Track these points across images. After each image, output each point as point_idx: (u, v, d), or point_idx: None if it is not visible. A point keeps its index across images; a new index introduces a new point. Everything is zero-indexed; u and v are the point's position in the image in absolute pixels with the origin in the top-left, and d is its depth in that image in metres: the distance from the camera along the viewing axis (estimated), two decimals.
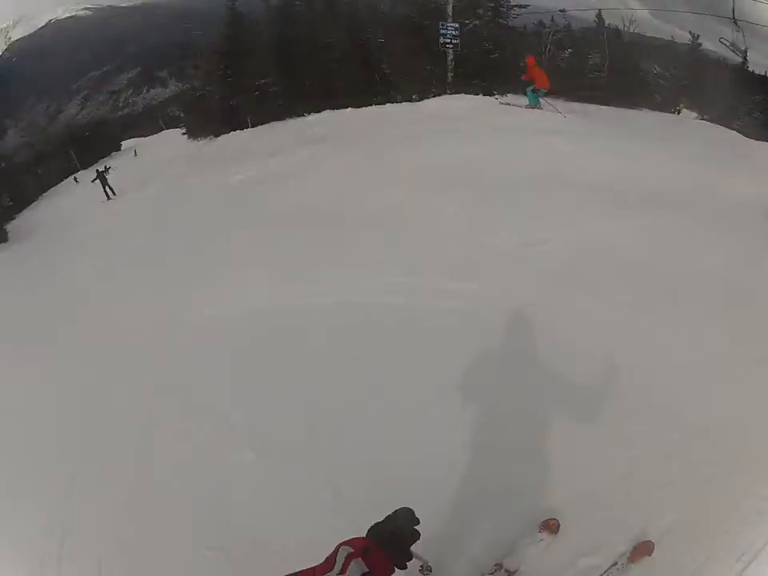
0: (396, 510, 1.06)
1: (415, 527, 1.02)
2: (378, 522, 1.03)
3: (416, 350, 3.03)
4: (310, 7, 13.95)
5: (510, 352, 2.84)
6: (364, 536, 0.98)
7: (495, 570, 1.93)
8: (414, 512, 1.05)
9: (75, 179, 23.12)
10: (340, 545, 0.95)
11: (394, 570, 0.96)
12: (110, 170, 19.14)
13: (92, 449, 3.12)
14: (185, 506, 2.50)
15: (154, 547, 2.35)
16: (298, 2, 13.95)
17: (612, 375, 2.46)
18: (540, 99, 11.82)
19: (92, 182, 17.76)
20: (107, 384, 3.88)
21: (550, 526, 1.95)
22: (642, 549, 1.89)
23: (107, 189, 15.84)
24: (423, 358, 2.96)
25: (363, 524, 1.02)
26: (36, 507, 2.79)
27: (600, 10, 16.56)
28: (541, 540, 1.92)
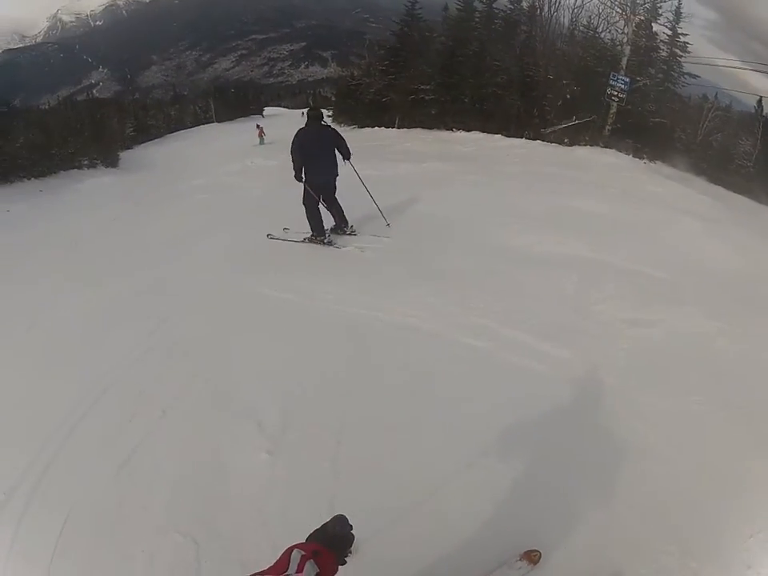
0: (335, 517, 1.17)
1: (352, 531, 1.16)
2: (318, 529, 1.15)
3: (473, 398, 3.00)
4: (488, 28, 13.89)
5: (563, 427, 2.79)
6: (305, 541, 1.10)
7: None
8: (347, 518, 1.18)
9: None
10: (293, 547, 1.03)
11: (337, 570, 1.09)
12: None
13: (108, 403, 3.12)
14: (176, 488, 2.53)
15: (127, 517, 2.40)
16: (477, 20, 13.95)
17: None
18: None
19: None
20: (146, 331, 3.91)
21: (532, 557, 2.00)
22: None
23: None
24: (474, 405, 2.92)
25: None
26: (25, 443, 2.84)
27: (761, 97, 16.22)
28: (519, 569, 1.97)
